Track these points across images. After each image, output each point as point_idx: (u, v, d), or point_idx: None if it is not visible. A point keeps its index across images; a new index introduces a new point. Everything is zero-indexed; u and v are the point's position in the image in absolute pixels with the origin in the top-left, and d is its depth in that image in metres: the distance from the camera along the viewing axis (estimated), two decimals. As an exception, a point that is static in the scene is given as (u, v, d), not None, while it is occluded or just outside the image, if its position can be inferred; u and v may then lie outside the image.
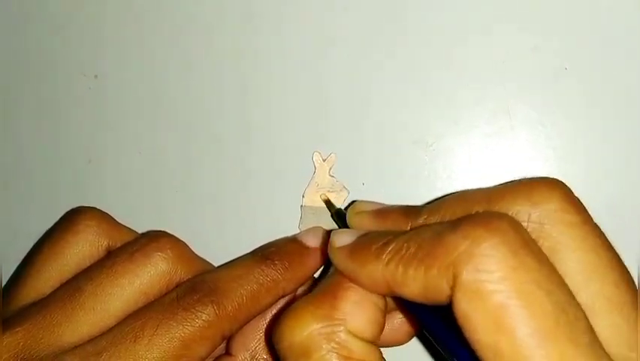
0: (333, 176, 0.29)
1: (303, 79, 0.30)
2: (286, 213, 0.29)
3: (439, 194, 0.28)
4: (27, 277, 0.25)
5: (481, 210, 0.20)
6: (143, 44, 0.31)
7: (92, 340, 0.22)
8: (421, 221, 0.22)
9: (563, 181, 0.21)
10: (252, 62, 0.30)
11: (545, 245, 0.19)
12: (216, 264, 0.27)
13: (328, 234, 0.27)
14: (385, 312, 0.21)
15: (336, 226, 0.29)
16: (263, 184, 0.30)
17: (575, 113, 0.28)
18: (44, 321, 0.23)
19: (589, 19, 0.28)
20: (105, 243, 0.26)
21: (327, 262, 0.27)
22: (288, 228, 0.29)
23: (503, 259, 0.17)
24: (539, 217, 0.20)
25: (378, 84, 0.29)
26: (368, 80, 0.29)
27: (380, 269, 0.19)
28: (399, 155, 0.29)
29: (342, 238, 0.22)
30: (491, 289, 0.17)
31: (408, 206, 0.24)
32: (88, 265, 0.25)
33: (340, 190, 0.29)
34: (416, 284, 0.18)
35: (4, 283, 0.29)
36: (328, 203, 0.29)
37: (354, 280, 0.21)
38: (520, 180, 0.21)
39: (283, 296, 0.25)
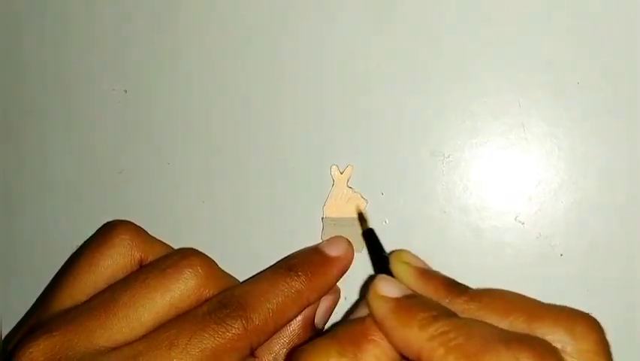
0: (351, 187, 0.30)
1: (322, 93, 0.30)
2: (307, 225, 0.30)
3: (456, 204, 0.29)
4: (64, 286, 0.26)
5: (519, 321, 0.21)
6: (171, 60, 0.32)
7: (129, 344, 0.23)
8: (460, 301, 0.22)
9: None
10: (273, 79, 0.31)
11: None
12: (241, 271, 0.28)
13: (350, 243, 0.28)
14: None
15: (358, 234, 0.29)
16: (285, 198, 0.31)
17: (586, 126, 0.28)
18: (80, 327, 0.23)
19: (601, 35, 0.28)
20: (138, 256, 0.27)
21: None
22: (309, 239, 0.30)
23: None
24: (572, 351, 0.21)
25: (396, 97, 0.30)
26: (386, 93, 0.30)
27: (420, 340, 0.20)
28: (417, 166, 0.30)
29: (387, 288, 0.22)
30: None
31: (450, 279, 0.24)
32: (121, 276, 0.26)
33: (358, 200, 0.30)
34: None
35: (40, 291, 0.30)
36: (361, 216, 0.29)
37: (387, 334, 0.21)
38: (562, 307, 0.22)
39: (308, 305, 0.26)
